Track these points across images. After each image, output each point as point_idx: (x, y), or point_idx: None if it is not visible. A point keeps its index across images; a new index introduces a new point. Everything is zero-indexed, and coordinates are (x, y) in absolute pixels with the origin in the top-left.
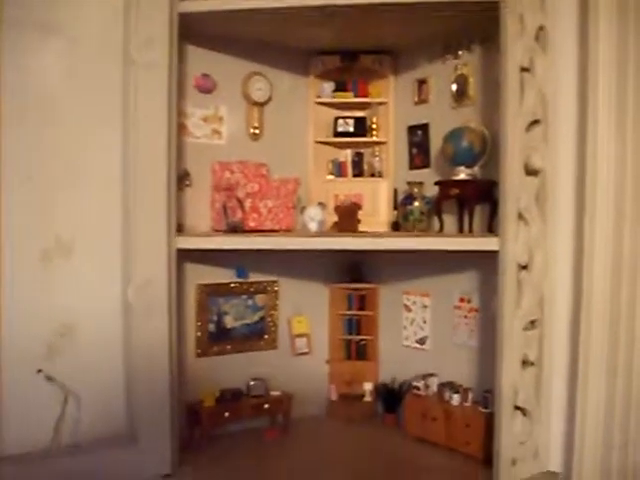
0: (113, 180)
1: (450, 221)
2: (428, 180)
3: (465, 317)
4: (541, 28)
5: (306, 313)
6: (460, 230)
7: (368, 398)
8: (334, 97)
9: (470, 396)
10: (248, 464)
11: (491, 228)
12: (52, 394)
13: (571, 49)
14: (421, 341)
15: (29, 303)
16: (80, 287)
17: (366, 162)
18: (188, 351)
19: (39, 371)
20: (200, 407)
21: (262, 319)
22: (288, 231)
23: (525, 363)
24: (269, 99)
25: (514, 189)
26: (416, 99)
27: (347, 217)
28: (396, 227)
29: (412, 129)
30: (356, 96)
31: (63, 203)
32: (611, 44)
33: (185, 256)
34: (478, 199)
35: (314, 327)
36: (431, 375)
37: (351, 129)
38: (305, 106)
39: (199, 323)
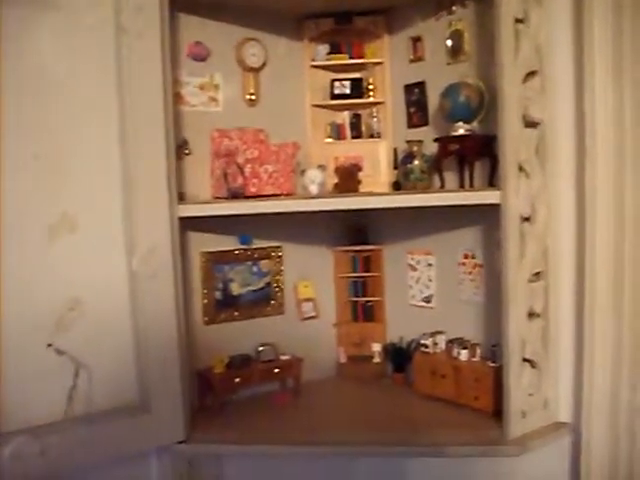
0: (112, 152)
1: (451, 178)
2: (427, 138)
3: (470, 273)
4: None
5: (311, 277)
6: (461, 186)
7: (377, 359)
8: (329, 60)
9: (478, 351)
10: (261, 426)
11: (492, 182)
12: (63, 367)
13: None
14: (427, 299)
15: (36, 280)
16: (86, 260)
17: (364, 123)
18: (196, 319)
19: (49, 345)
20: (210, 374)
21: (268, 285)
22: (289, 195)
23: (531, 315)
24: (264, 64)
25: (513, 142)
26: (411, 57)
27: (347, 178)
28: (397, 187)
29: (409, 88)
30: (351, 57)
31: (65, 178)
32: None
33: (188, 225)
34: (478, 154)
35: (320, 291)
36: (439, 332)
37: (347, 91)
38: (300, 70)
39: (205, 291)
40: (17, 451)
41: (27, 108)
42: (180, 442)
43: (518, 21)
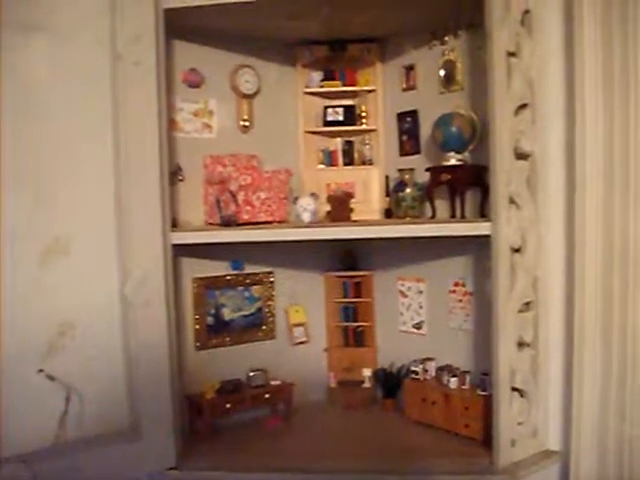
0: (106, 178)
1: (442, 207)
2: (419, 166)
3: (460, 301)
4: (527, 12)
5: (302, 302)
6: (452, 215)
7: (367, 384)
8: (322, 86)
9: (468, 379)
10: (252, 453)
11: (483, 213)
12: (54, 393)
13: (557, 31)
14: (418, 326)
15: (28, 303)
16: (78, 285)
17: (356, 150)
18: (187, 344)
19: (40, 371)
20: (201, 399)
21: (259, 310)
22: (282, 222)
23: (521, 345)
24: (258, 91)
25: (504, 173)
26: (404, 86)
27: (340, 206)
28: (389, 214)
29: (401, 116)
30: (344, 85)
31: (59, 202)
32: (596, 25)
33: (180, 250)
34: (469, 184)
35: (311, 316)
36: (429, 359)
37: (340, 118)
38: (294, 96)
39: (197, 316)
40: (8, 478)
41: (22, 134)
42: (171, 468)
43: (510, 54)
